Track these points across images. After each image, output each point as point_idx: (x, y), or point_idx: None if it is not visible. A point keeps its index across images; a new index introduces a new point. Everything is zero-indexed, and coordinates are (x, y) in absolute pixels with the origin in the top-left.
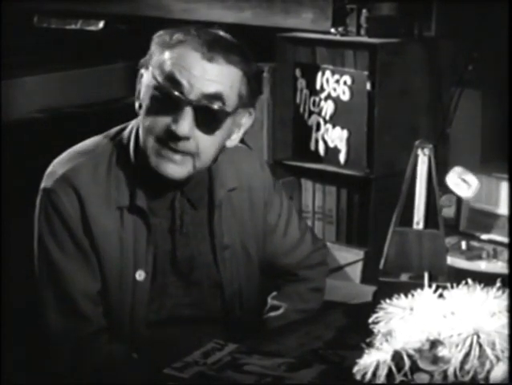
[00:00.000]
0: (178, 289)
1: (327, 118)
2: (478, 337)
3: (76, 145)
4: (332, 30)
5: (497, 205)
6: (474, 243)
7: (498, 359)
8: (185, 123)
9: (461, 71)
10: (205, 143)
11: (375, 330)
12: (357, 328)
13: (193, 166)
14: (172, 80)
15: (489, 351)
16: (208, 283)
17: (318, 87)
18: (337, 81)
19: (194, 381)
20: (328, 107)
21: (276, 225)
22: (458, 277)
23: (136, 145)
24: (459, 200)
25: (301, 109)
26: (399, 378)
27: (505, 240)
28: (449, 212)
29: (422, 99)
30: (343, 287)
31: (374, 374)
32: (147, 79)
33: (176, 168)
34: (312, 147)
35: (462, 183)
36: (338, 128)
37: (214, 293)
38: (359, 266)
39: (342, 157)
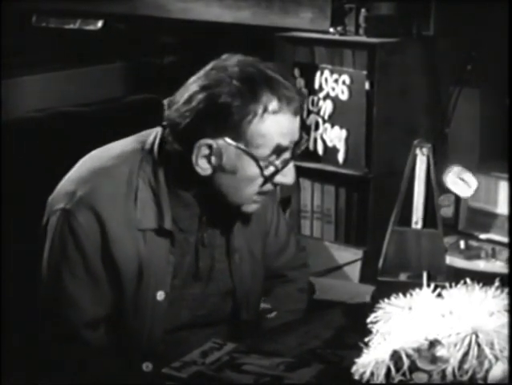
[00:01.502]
0: (194, 301)
1: (326, 117)
2: (477, 336)
3: (92, 158)
4: (331, 30)
5: (496, 205)
6: (473, 242)
7: (497, 359)
8: (293, 174)
9: (459, 71)
10: None
11: (374, 330)
12: (356, 327)
13: None
14: (279, 149)
15: (487, 351)
16: (222, 290)
17: (316, 86)
18: (336, 80)
19: (193, 380)
20: (327, 107)
21: (270, 225)
22: (457, 276)
23: (164, 168)
24: (458, 199)
25: None
26: (397, 377)
27: (504, 239)
28: (447, 211)
29: (421, 98)
30: (342, 286)
31: (372, 373)
32: (234, 153)
33: (259, 205)
34: (311, 146)
35: (461, 182)
36: (336, 128)
37: (227, 299)
38: (357, 266)
39: (340, 157)
